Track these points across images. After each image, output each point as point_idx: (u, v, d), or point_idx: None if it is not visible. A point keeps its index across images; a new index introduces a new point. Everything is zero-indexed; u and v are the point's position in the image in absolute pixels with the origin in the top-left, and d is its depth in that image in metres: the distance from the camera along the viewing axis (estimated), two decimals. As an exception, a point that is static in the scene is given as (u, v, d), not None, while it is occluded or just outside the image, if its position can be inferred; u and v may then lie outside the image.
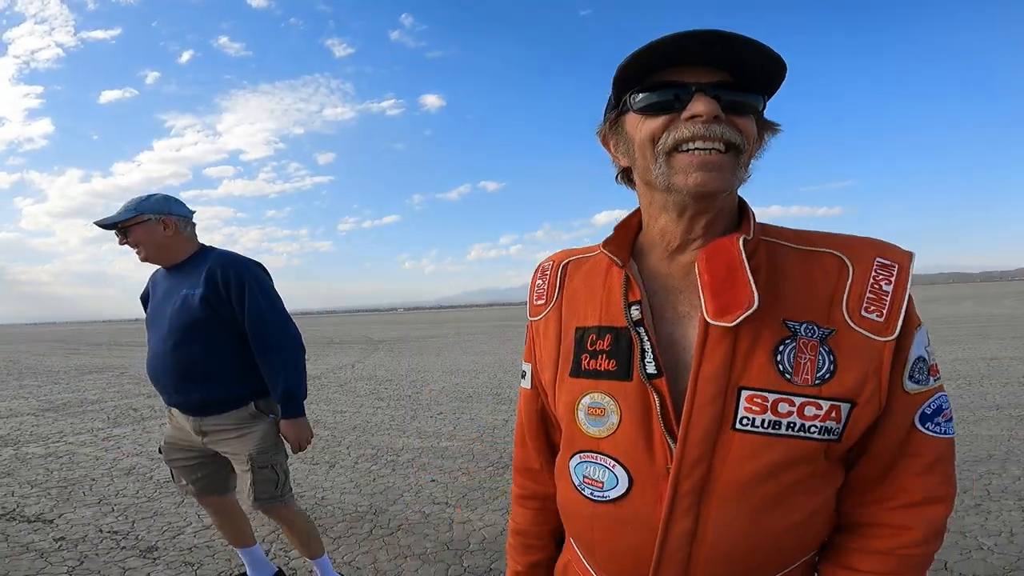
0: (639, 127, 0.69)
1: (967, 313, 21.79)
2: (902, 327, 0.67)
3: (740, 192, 0.74)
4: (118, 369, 12.71)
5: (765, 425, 0.65)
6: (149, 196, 2.10)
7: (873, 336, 0.66)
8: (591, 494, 0.74)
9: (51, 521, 3.46)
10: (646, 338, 0.70)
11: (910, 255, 0.69)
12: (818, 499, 0.70)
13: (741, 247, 0.67)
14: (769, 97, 0.70)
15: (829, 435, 0.66)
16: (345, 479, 4.18)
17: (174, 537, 3.16)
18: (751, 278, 0.65)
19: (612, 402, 0.71)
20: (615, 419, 0.71)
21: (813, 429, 0.65)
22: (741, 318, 0.64)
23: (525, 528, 0.95)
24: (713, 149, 0.64)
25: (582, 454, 0.75)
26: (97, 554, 2.96)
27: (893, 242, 0.72)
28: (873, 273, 0.68)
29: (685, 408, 0.67)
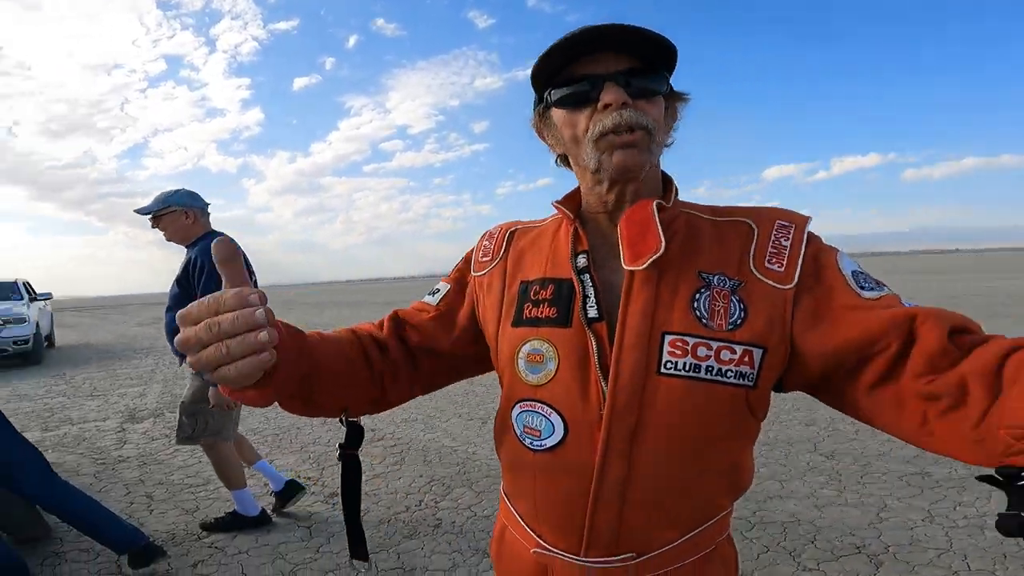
0: (565, 120, 0.76)
1: None
2: (814, 264, 0.71)
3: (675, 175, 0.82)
4: (323, 327, 14.36)
5: (687, 368, 0.68)
6: (176, 191, 2.62)
7: (776, 284, 0.71)
8: (531, 443, 0.76)
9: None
10: (590, 284, 0.74)
11: (807, 218, 0.76)
12: (733, 450, 0.74)
13: (654, 207, 0.73)
14: (670, 74, 0.77)
15: (744, 380, 0.69)
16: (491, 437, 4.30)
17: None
18: (660, 229, 0.71)
19: (551, 348, 0.74)
20: (553, 366, 0.73)
21: (729, 373, 0.69)
22: (649, 260, 0.70)
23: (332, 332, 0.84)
24: (626, 131, 0.70)
25: (522, 403, 0.77)
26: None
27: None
28: (774, 232, 0.74)
29: (614, 351, 0.70)
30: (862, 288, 0.69)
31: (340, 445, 0.85)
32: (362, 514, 0.86)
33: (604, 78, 0.71)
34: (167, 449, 4.28)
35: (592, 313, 0.72)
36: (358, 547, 0.86)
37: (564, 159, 0.84)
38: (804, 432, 4.18)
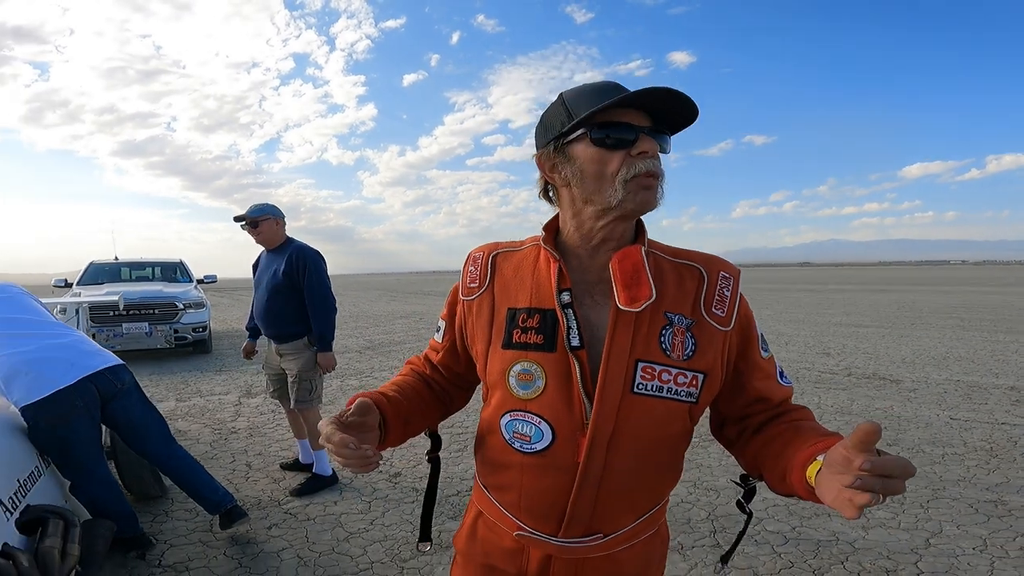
0: (596, 157, 0.86)
1: None
2: (745, 318, 0.93)
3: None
4: (419, 315, 15.29)
5: (654, 389, 0.86)
6: (269, 204, 3.35)
7: (719, 327, 0.89)
8: (520, 446, 0.91)
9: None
10: (573, 318, 0.87)
11: (739, 271, 0.94)
12: (681, 449, 0.94)
13: (643, 254, 0.88)
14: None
15: (690, 398, 0.88)
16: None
17: (414, 466, 3.79)
18: (650, 277, 0.86)
19: (539, 369, 0.88)
20: (541, 383, 0.88)
21: (682, 392, 0.87)
22: (645, 305, 0.84)
23: (402, 376, 1.10)
24: (653, 176, 0.85)
25: (512, 413, 0.91)
26: (358, 475, 3.76)
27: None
28: (719, 281, 0.92)
29: (600, 375, 0.85)
30: (763, 349, 0.95)
31: (427, 452, 1.11)
32: (416, 494, 1.15)
33: (642, 130, 0.84)
34: (271, 423, 4.89)
35: (575, 342, 0.86)
36: (426, 531, 1.13)
37: (546, 192, 0.97)
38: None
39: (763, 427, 0.93)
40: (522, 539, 0.94)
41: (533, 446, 0.89)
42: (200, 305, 8.73)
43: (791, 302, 18.50)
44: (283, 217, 3.38)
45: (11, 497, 2.03)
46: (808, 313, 14.52)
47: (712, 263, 0.94)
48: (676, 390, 0.86)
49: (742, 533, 1.03)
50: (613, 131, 0.84)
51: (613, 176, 0.84)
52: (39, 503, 2.16)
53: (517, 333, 0.90)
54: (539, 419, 0.88)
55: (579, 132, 0.86)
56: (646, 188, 0.85)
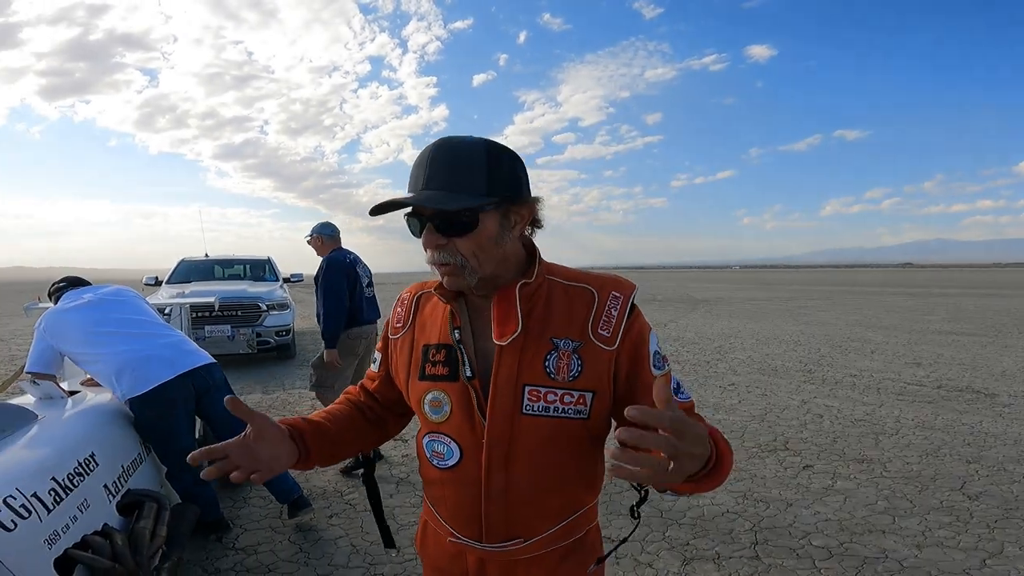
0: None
1: None
2: (637, 335, 0.96)
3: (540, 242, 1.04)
4: None
5: (540, 410, 0.93)
6: (319, 224, 4.18)
7: (604, 347, 0.95)
8: (437, 463, 1.02)
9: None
10: (463, 352, 0.98)
11: (632, 287, 1.00)
12: (583, 462, 1.00)
13: (517, 292, 0.95)
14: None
15: (580, 415, 0.94)
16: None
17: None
18: (519, 313, 0.94)
19: (446, 396, 0.99)
20: (448, 409, 0.99)
21: (569, 411, 0.94)
22: (510, 339, 0.93)
23: (336, 404, 1.18)
24: (443, 266, 0.93)
25: (430, 434, 1.02)
26: (407, 475, 4.02)
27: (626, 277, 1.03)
28: (608, 301, 0.97)
29: (489, 399, 0.94)
30: (655, 367, 0.97)
31: (361, 474, 1.27)
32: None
33: (423, 221, 0.92)
34: (342, 419, 5.25)
35: (467, 373, 0.96)
36: (387, 539, 1.24)
37: None
38: (960, 469, 3.78)
39: None
40: (456, 544, 1.04)
41: (446, 463, 1.00)
42: (284, 306, 8.29)
43: (885, 307, 17.31)
44: (326, 234, 4.15)
45: (115, 481, 2.35)
46: (903, 319, 13.54)
47: (605, 284, 0.99)
48: (563, 409, 0.93)
49: (624, 540, 1.24)
50: (411, 219, 0.94)
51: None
52: (138, 487, 2.48)
53: (429, 366, 1.01)
54: (449, 439, 0.98)
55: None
56: (445, 275, 0.94)
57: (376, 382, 1.18)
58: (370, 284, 4.23)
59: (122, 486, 2.38)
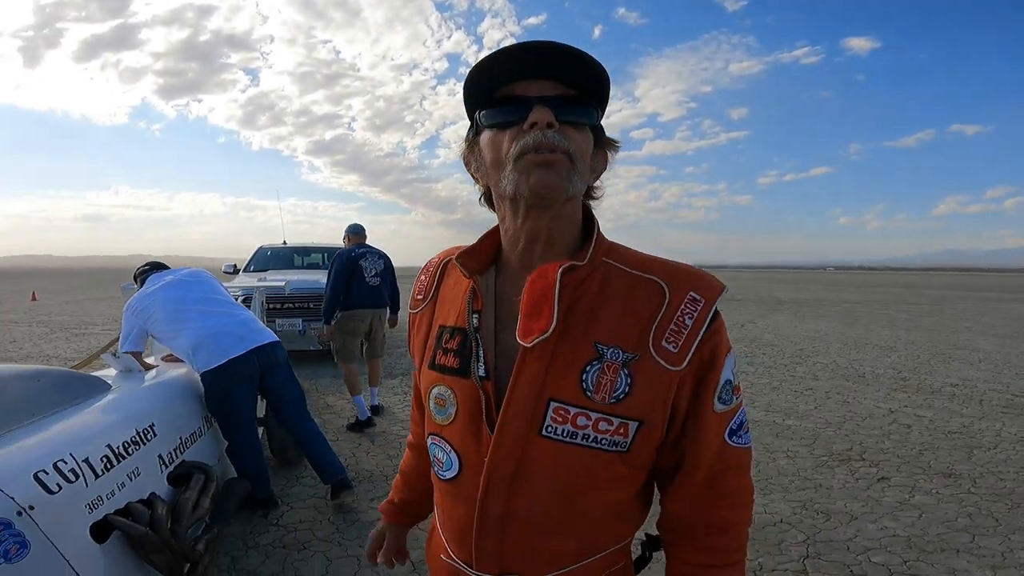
0: (489, 142, 0.75)
1: None
2: (709, 355, 0.75)
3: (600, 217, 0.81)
4: None
5: (565, 434, 0.73)
6: (348, 225, 5.18)
7: (667, 365, 0.73)
8: (437, 472, 0.86)
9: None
10: (478, 343, 0.78)
11: (720, 289, 0.76)
12: (614, 496, 0.78)
13: (558, 276, 0.72)
14: (603, 109, 0.76)
15: (617, 447, 0.74)
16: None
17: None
18: (556, 306, 0.71)
19: (452, 395, 0.80)
20: (453, 410, 0.80)
21: (604, 441, 0.73)
22: (537, 339, 0.70)
23: (407, 469, 1.13)
24: (548, 151, 0.70)
25: (432, 436, 0.85)
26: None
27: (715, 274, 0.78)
28: (683, 305, 0.74)
29: (501, 412, 0.74)
30: (719, 400, 0.77)
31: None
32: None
33: (534, 100, 0.71)
34: (400, 405, 5.39)
35: (480, 372, 0.76)
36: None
37: (488, 197, 0.83)
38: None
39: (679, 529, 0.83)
40: (446, 564, 0.87)
41: (445, 473, 0.83)
42: None
43: (1002, 314, 15.58)
44: (354, 232, 5.14)
45: (170, 452, 2.48)
46: (1023, 327, 12.12)
47: (682, 279, 0.76)
48: (596, 438, 0.73)
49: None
50: (502, 107, 0.73)
51: (506, 158, 0.72)
52: (193, 460, 2.62)
53: (440, 354, 0.83)
54: (450, 447, 0.81)
55: (477, 118, 0.77)
56: (540, 165, 0.70)
57: (417, 410, 1.06)
58: (376, 275, 4.87)
59: (176, 457, 2.51)
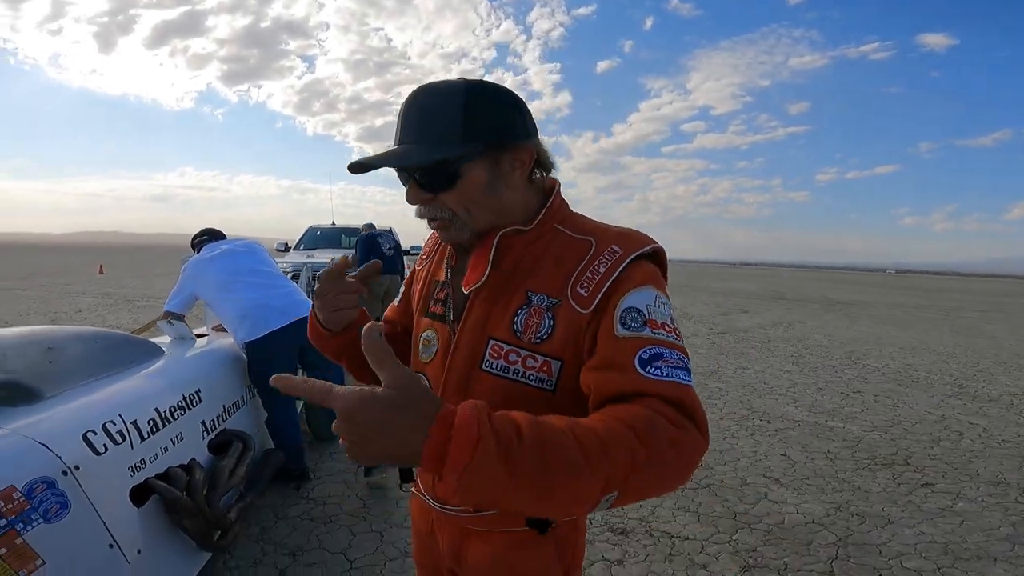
0: None
1: None
2: (609, 291, 0.79)
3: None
4: None
5: (499, 368, 0.84)
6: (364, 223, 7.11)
7: (578, 308, 0.80)
8: None
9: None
10: (450, 292, 0.93)
11: (644, 247, 0.83)
12: None
13: (496, 238, 0.86)
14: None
15: (544, 384, 0.82)
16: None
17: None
18: (490, 261, 0.85)
19: (435, 336, 0.94)
20: (434, 350, 0.93)
21: (531, 377, 0.82)
22: (473, 287, 0.86)
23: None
24: (430, 220, 0.87)
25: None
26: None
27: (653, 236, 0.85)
28: (602, 256, 0.82)
29: (452, 348, 0.89)
30: (622, 324, 0.76)
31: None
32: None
33: (407, 178, 0.84)
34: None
35: (450, 316, 0.91)
36: (405, 474, 1.15)
37: None
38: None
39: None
40: (413, 496, 0.99)
41: None
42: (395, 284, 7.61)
43: (1077, 319, 14.52)
44: (368, 225, 7.08)
45: (212, 419, 2.55)
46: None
47: (609, 237, 0.84)
48: (524, 373, 0.82)
49: None
50: (400, 175, 0.86)
51: None
52: (233, 428, 2.69)
53: (432, 303, 0.97)
54: (428, 384, 0.90)
55: None
56: (436, 229, 0.89)
57: (393, 312, 1.20)
58: (390, 248, 7.22)
59: (219, 425, 2.58)
